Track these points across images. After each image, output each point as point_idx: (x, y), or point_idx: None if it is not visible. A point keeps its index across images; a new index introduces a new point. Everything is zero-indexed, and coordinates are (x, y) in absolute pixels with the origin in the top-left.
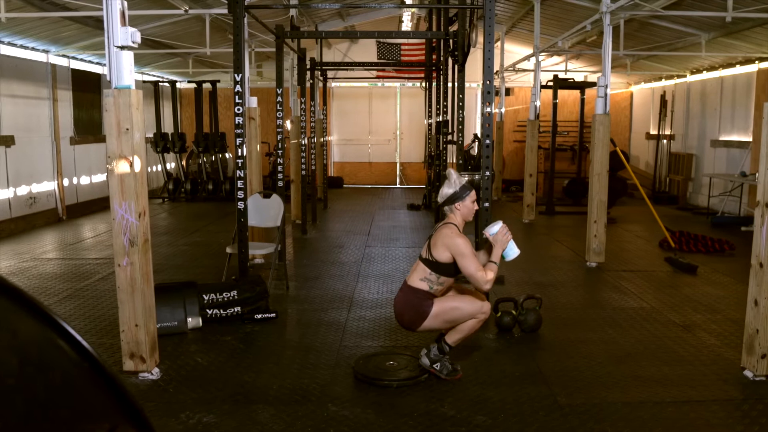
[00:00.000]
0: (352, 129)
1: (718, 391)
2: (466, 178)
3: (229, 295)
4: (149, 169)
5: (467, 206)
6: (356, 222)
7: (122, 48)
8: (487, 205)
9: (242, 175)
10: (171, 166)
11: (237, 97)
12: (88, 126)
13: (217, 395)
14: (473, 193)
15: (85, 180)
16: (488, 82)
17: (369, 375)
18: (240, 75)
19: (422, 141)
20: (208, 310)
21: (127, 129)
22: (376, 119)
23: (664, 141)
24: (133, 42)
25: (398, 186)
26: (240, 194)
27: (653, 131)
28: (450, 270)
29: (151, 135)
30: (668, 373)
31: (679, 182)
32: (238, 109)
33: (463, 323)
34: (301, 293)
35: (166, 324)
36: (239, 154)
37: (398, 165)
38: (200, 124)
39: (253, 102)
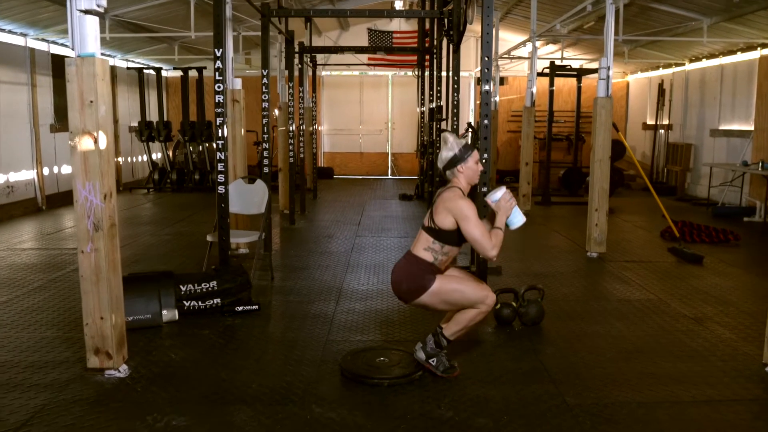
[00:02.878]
0: (342, 119)
1: (741, 390)
2: (467, 140)
3: (208, 285)
4: (134, 159)
5: (470, 167)
6: (346, 212)
7: (86, 12)
8: (485, 189)
9: (223, 157)
10: (157, 156)
11: (217, 74)
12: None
13: (190, 395)
14: (475, 153)
15: (67, 169)
16: (486, 59)
17: (358, 372)
18: (221, 50)
19: (414, 131)
20: (185, 302)
21: (91, 101)
22: (367, 109)
23: (662, 131)
24: (98, 6)
25: (390, 177)
26: (221, 178)
27: (650, 121)
28: (454, 238)
29: (136, 124)
30: (684, 370)
31: (677, 173)
32: (219, 87)
33: (462, 314)
34: (286, 284)
35: (139, 317)
36: (220, 134)
37: (390, 155)
38: (186, 112)
39: (237, 84)
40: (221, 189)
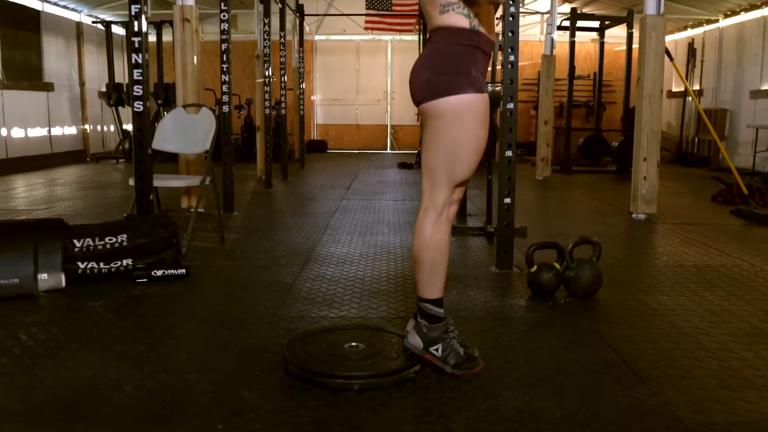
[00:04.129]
0: (337, 88)
1: None
2: None
3: (115, 240)
4: (105, 128)
5: None
6: (336, 178)
7: None
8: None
9: (140, 60)
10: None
11: None
12: (23, 70)
13: (14, 408)
14: None
15: (18, 133)
16: (511, 18)
17: (311, 367)
18: None
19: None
20: (79, 263)
21: None
22: (364, 77)
23: (689, 98)
24: None
25: (389, 151)
26: (137, 90)
27: (676, 88)
28: None
29: (104, 87)
30: None
31: (710, 142)
32: None
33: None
34: (240, 247)
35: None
36: (135, 29)
37: (389, 128)
38: (160, 73)
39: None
40: (138, 107)
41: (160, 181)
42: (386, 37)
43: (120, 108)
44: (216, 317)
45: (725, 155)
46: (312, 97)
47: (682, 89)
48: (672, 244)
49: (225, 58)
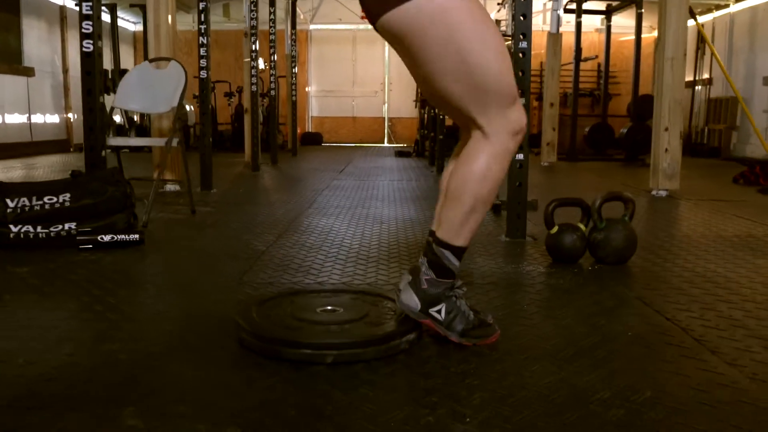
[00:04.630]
0: (333, 79)
1: None
2: None
3: (55, 201)
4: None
5: None
6: (329, 164)
7: None
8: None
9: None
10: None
11: None
12: (2, 52)
13: None
14: None
15: None
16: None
17: (271, 334)
18: None
19: (414, 93)
20: (12, 226)
21: None
22: (361, 68)
23: (698, 87)
24: None
25: (387, 145)
26: (86, 26)
27: (686, 77)
28: None
29: None
30: None
31: (721, 131)
32: None
33: (463, 172)
34: (212, 218)
35: None
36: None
37: (386, 120)
38: (146, 58)
39: None
40: (87, 46)
41: (116, 141)
42: None
43: (105, 96)
44: (164, 284)
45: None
46: (306, 89)
47: (690, 79)
48: (703, 216)
49: (203, 30)
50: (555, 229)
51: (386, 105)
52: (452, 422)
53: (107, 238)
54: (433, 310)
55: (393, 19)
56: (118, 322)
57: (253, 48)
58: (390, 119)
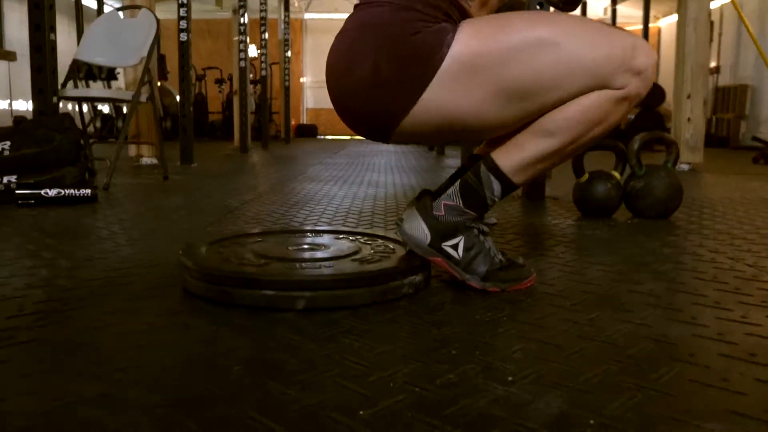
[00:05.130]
0: None
1: None
2: None
3: None
4: (74, 106)
5: None
6: (323, 150)
7: None
8: None
9: None
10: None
11: None
12: None
13: None
14: None
15: None
16: None
17: (220, 273)
18: None
19: None
20: None
21: None
22: None
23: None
24: None
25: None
26: None
27: None
28: None
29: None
30: None
31: (729, 121)
32: None
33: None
34: (186, 184)
35: None
36: None
37: None
38: None
39: None
40: None
41: (73, 92)
42: None
43: (91, 83)
44: (109, 235)
45: None
46: (301, 79)
47: None
48: (737, 185)
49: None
50: (585, 177)
51: None
52: (487, 382)
53: (52, 192)
54: (447, 245)
55: (406, 124)
56: (36, 268)
57: (242, 21)
58: None
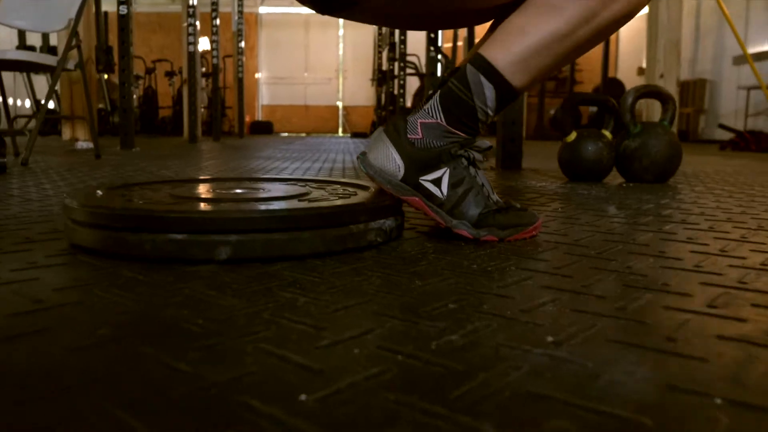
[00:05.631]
0: (284, 65)
1: None
2: None
3: None
4: (16, 102)
5: None
6: (279, 141)
7: None
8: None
9: None
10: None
11: None
12: None
13: None
14: None
15: None
16: None
17: (111, 214)
18: None
19: (371, 72)
20: None
21: None
22: (314, 54)
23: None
24: None
25: (341, 135)
26: None
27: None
28: None
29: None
30: None
31: (689, 115)
32: None
33: None
34: (120, 162)
35: None
36: None
37: (341, 109)
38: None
39: None
40: None
41: None
42: None
43: (33, 76)
44: (12, 197)
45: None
46: (256, 75)
47: None
48: (722, 161)
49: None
50: (572, 136)
51: (340, 92)
52: (514, 344)
53: None
54: (426, 179)
55: None
56: None
57: (191, 3)
58: (345, 107)
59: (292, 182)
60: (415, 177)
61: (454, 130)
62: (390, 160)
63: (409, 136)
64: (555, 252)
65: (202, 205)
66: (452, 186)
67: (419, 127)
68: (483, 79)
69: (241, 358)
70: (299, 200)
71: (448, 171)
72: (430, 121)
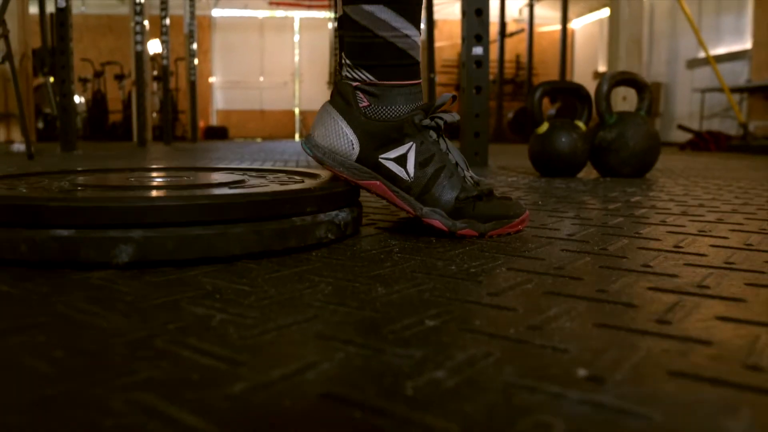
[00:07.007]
0: (239, 69)
1: None
2: None
3: None
4: None
5: None
6: (235, 145)
7: None
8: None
9: None
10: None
11: None
12: None
13: None
14: None
15: None
16: None
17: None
18: None
19: (328, 76)
20: None
21: None
22: (269, 57)
23: None
24: None
25: (298, 140)
26: None
27: (603, 68)
28: None
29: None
30: None
31: None
32: None
33: None
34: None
35: None
36: None
37: (297, 113)
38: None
39: None
40: None
41: None
42: (294, 13)
43: None
44: None
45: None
46: (210, 79)
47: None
48: (689, 159)
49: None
50: (544, 127)
51: (297, 97)
52: (536, 384)
53: None
54: (387, 157)
55: None
56: None
57: (138, 1)
58: (301, 112)
59: (227, 171)
60: (373, 155)
61: (391, 82)
62: (341, 136)
63: (361, 105)
64: (550, 248)
65: (102, 194)
66: (420, 165)
67: (361, 94)
68: (367, 6)
69: (94, 425)
70: (230, 188)
71: (414, 146)
72: (358, 83)
